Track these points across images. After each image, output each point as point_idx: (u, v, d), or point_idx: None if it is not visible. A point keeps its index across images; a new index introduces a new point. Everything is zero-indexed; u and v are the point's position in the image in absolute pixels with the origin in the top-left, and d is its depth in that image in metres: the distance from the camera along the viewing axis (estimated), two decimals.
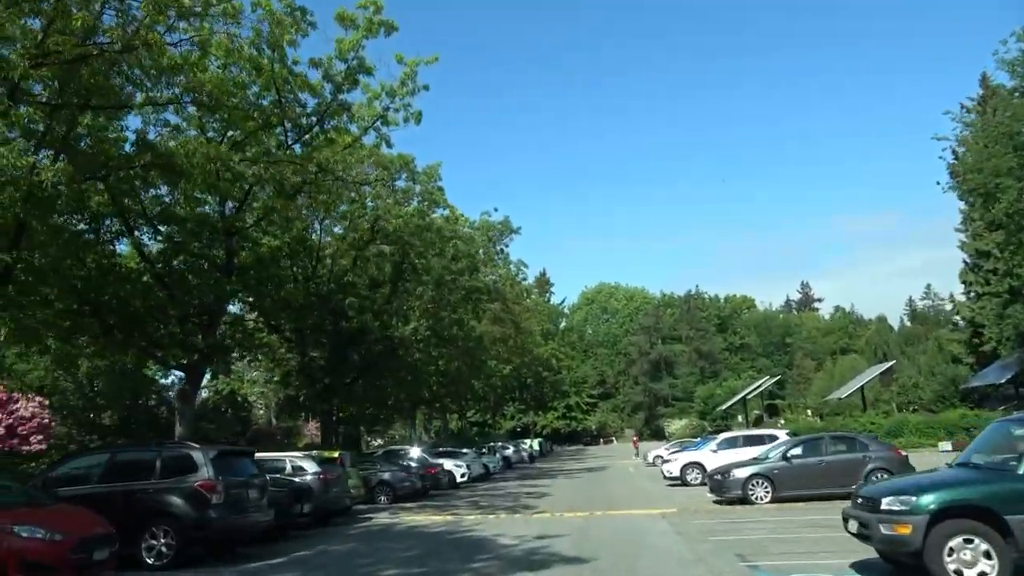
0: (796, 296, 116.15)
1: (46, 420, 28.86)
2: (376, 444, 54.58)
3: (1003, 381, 36.38)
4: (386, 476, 21.17)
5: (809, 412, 55.37)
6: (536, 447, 58.53)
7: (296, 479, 15.44)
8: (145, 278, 18.48)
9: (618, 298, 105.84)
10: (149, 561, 10.64)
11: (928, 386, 42.45)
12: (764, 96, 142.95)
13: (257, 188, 17.71)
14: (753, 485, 15.80)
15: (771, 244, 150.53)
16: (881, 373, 44.24)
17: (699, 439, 33.55)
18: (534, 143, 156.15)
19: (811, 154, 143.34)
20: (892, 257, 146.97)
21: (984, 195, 30.33)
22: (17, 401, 27.91)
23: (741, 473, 16.03)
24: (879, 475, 14.78)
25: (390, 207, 25.61)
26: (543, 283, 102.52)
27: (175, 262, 19.18)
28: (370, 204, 25.46)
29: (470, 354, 28.43)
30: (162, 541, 10.73)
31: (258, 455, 14.47)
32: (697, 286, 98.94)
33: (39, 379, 29.61)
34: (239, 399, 43.12)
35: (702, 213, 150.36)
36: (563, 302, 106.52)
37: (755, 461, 16.66)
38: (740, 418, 74.03)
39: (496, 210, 33.82)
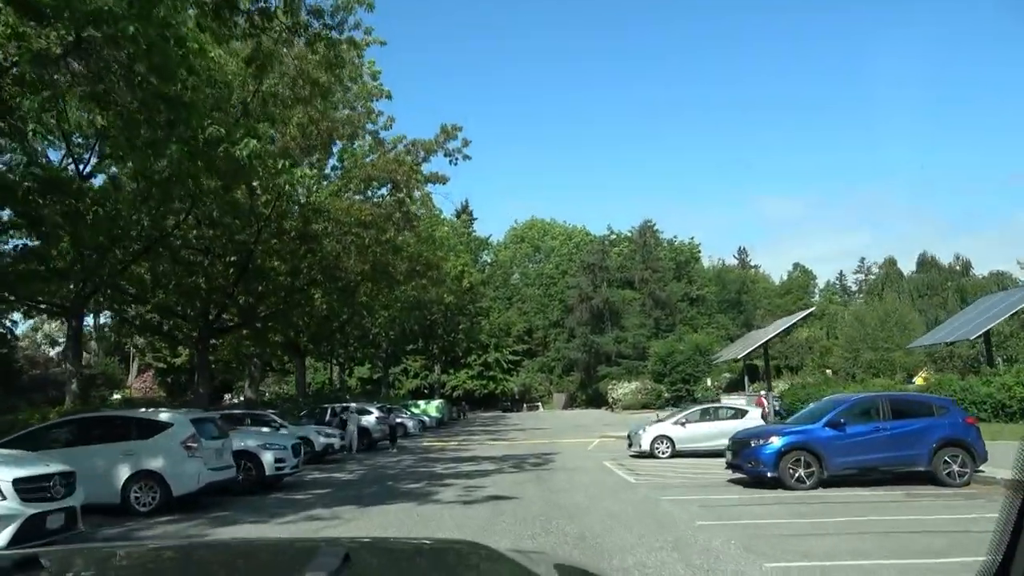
0: (733, 262, 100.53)
1: None
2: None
3: None
4: None
5: (829, 371, 38.59)
6: (435, 412, 39.53)
7: None
8: None
9: (554, 235, 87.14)
10: None
11: None
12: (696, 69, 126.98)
13: None
14: None
15: (704, 214, 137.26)
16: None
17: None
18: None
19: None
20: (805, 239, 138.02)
21: None
22: None
23: None
24: None
25: None
26: (465, 216, 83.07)
27: None
28: None
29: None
30: None
31: None
32: (653, 220, 79.28)
33: None
34: None
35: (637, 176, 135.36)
36: (489, 237, 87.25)
37: None
38: (709, 382, 57.60)
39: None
